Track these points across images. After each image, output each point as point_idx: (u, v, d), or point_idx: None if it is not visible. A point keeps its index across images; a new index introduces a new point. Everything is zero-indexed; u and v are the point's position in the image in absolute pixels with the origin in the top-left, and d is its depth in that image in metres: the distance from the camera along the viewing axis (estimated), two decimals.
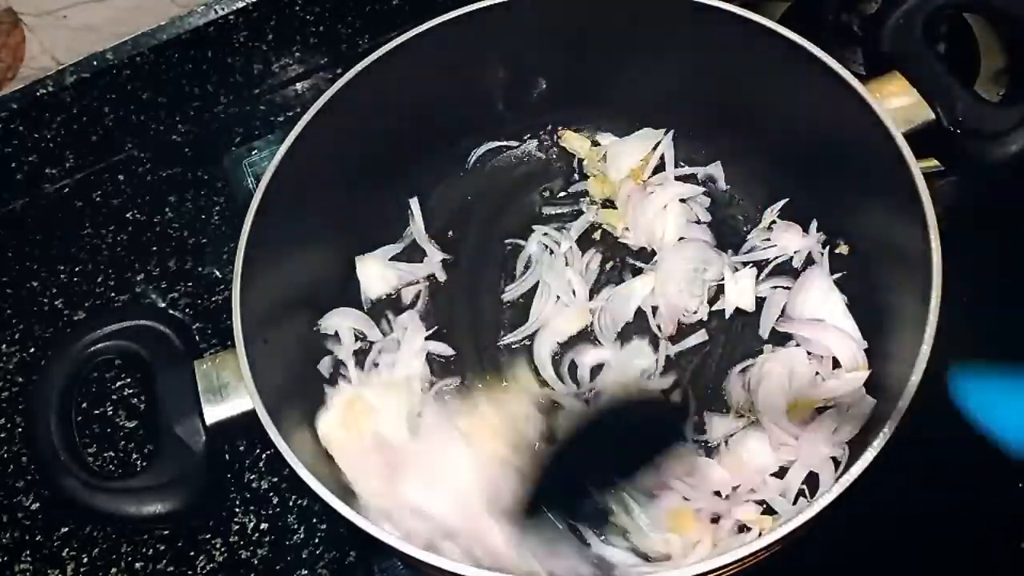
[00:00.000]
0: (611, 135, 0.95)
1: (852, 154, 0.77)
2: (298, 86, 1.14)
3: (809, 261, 0.86)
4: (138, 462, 0.91)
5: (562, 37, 0.87)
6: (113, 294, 1.02)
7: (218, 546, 0.86)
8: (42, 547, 0.88)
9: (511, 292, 0.89)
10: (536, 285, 0.89)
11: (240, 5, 1.08)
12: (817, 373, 0.79)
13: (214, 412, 0.70)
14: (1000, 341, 0.84)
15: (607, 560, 0.74)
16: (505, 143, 0.97)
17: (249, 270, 0.74)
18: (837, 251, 0.85)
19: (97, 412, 0.94)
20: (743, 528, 0.74)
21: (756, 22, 0.79)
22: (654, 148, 0.92)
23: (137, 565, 0.86)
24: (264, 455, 0.90)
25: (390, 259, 0.91)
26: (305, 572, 0.84)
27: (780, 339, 0.83)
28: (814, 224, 0.86)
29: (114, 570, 0.87)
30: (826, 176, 0.82)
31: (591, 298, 0.87)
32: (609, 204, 0.93)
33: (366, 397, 0.80)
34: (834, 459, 0.74)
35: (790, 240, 0.86)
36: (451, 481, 0.73)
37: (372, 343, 0.86)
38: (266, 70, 1.14)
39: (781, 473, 0.76)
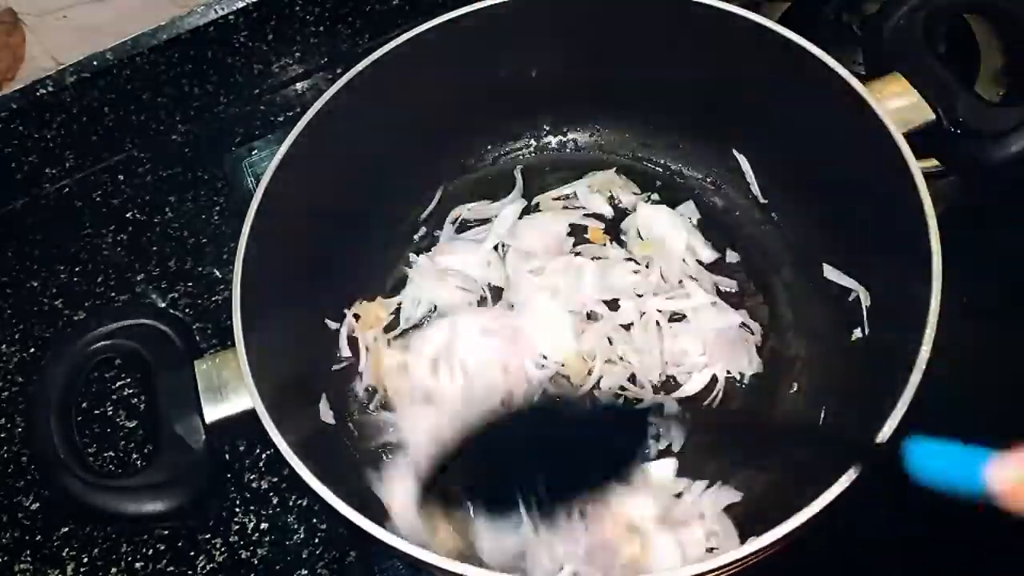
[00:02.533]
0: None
1: (852, 154, 0.77)
2: (298, 86, 1.14)
3: None
4: (138, 462, 0.91)
5: (562, 36, 0.88)
6: (113, 294, 1.02)
7: (218, 546, 0.86)
8: (42, 547, 0.88)
9: None
10: None
11: (240, 5, 1.08)
12: None
13: (214, 411, 0.70)
14: (1000, 342, 0.84)
15: None
16: (505, 142, 0.97)
17: (249, 270, 0.74)
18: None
19: (97, 412, 0.94)
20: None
21: (756, 22, 0.79)
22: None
23: (137, 565, 0.86)
24: (264, 455, 0.90)
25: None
26: (305, 572, 0.84)
27: None
28: None
29: (114, 570, 0.87)
30: (826, 176, 0.82)
31: None
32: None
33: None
34: None
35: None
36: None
37: None
38: (266, 70, 1.14)
39: None
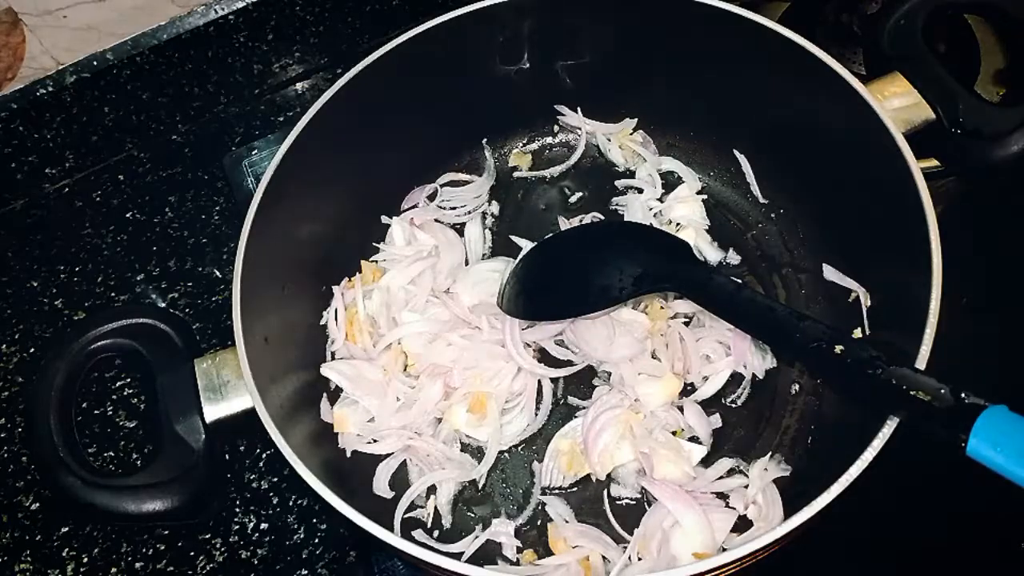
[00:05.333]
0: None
1: (852, 154, 0.77)
2: (298, 86, 1.14)
3: None
4: (138, 461, 0.91)
5: (560, 37, 0.88)
6: (113, 294, 1.02)
7: (218, 546, 0.86)
8: (42, 547, 0.88)
9: None
10: None
11: (240, 5, 1.08)
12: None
13: (214, 410, 0.70)
14: (999, 341, 0.84)
15: None
16: (506, 141, 0.97)
17: (249, 270, 0.74)
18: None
19: (97, 412, 0.94)
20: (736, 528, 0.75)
21: (756, 22, 0.79)
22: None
23: (137, 565, 0.86)
24: (264, 455, 0.90)
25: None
26: (305, 572, 0.84)
27: None
28: None
29: (114, 570, 0.87)
30: (826, 176, 0.82)
31: None
32: None
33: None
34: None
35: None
36: None
37: None
38: (266, 70, 1.14)
39: None
